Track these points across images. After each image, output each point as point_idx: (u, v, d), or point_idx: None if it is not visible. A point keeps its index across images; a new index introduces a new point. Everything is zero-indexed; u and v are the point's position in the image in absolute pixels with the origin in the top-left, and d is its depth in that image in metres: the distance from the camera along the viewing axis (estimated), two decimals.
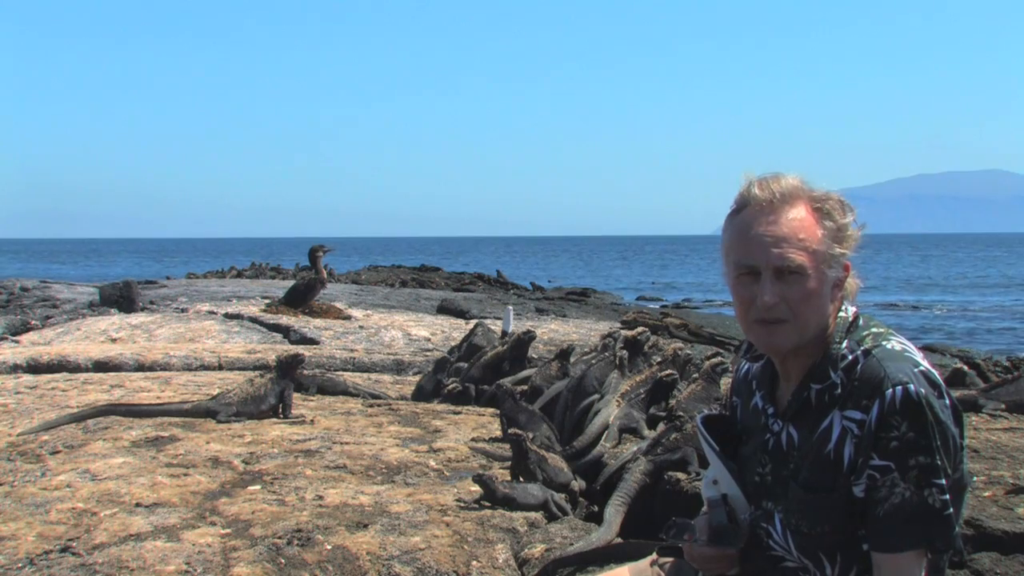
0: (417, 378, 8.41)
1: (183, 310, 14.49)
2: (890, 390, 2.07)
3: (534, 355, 8.20)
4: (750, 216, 2.20)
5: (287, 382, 6.49)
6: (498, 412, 6.13)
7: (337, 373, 8.57)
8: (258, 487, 4.83)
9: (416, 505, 4.51)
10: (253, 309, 13.62)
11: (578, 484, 5.08)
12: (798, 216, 2.18)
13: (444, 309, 16.38)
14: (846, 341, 2.19)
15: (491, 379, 7.22)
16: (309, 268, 14.30)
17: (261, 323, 12.42)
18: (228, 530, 4.19)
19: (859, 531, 2.13)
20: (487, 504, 4.51)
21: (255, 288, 19.28)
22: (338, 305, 14.34)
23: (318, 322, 12.54)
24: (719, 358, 6.34)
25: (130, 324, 12.25)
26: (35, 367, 9.03)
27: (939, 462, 2.05)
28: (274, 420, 6.31)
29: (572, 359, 6.83)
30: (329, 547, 4.01)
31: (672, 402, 5.99)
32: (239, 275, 31.70)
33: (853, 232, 2.22)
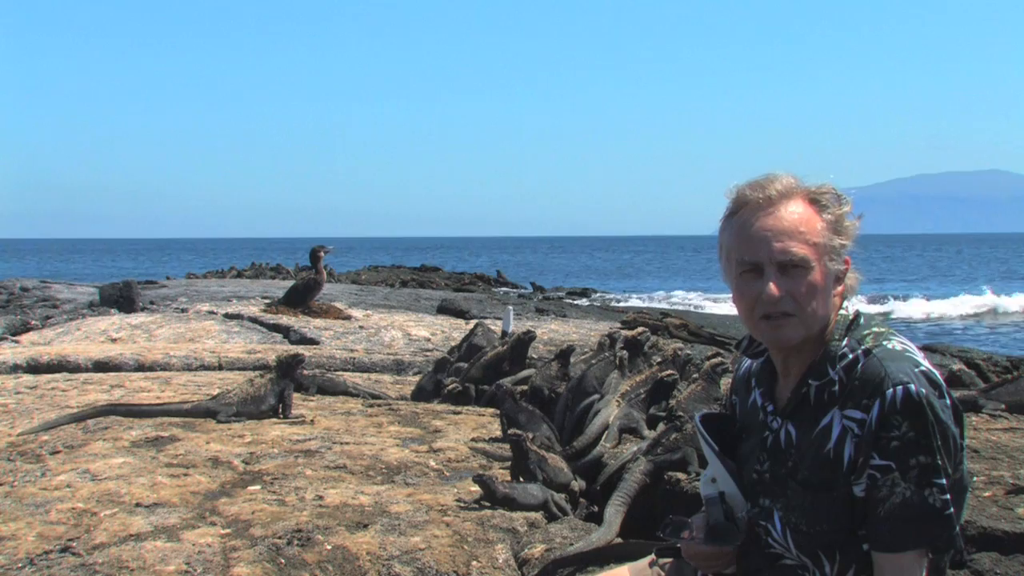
0: (417, 378, 8.41)
1: (183, 310, 14.48)
2: (891, 390, 2.07)
3: (534, 355, 8.20)
4: (749, 213, 2.21)
5: (287, 382, 6.49)
6: (498, 412, 6.13)
7: (337, 373, 8.56)
8: (258, 487, 4.83)
9: (416, 505, 4.51)
10: (253, 309, 13.62)
11: (578, 484, 5.08)
12: (797, 210, 2.19)
13: (444, 309, 16.38)
14: (846, 339, 2.20)
15: (491, 379, 7.22)
16: (310, 268, 14.29)
17: (261, 323, 12.42)
18: (228, 530, 4.19)
19: (858, 530, 2.13)
20: (487, 504, 4.51)
21: (255, 288, 19.28)
22: (338, 305, 14.33)
23: (318, 322, 12.53)
24: (719, 358, 6.34)
25: (130, 324, 12.24)
26: (35, 367, 9.03)
27: (940, 462, 2.05)
28: (274, 420, 6.31)
29: (572, 359, 6.83)
30: (329, 547, 4.01)
31: (672, 402, 5.99)
32: (239, 275, 31.73)
33: (851, 223, 2.23)
